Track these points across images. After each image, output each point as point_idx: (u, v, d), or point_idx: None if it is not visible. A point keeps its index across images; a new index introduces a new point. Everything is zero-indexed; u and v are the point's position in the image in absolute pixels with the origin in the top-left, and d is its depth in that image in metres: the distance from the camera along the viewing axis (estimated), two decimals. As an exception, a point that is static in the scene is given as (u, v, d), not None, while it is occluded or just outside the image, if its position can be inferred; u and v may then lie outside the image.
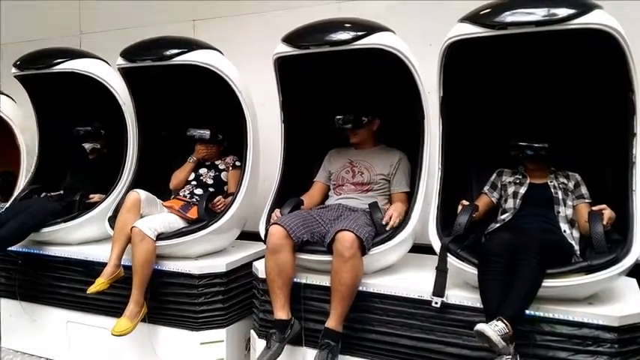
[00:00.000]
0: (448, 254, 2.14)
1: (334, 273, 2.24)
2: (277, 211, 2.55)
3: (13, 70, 3.37)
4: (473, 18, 2.10)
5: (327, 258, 2.30)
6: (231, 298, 2.80)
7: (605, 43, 1.98)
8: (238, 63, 3.02)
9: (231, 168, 3.20)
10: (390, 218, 2.40)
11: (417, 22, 3.15)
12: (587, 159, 2.42)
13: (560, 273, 1.94)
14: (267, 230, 2.42)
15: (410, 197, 2.56)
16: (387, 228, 2.38)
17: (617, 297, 2.10)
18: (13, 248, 3.19)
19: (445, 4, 3.02)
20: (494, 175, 2.55)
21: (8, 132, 3.93)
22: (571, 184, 2.39)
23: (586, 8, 1.93)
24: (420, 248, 2.56)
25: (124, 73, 3.01)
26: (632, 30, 2.03)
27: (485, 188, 2.55)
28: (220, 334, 2.75)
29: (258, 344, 2.52)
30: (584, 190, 2.37)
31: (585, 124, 2.41)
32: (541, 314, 1.98)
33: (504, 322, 1.84)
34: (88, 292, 2.65)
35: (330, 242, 2.28)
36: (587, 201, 2.34)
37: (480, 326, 1.84)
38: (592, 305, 1.99)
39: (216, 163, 3.24)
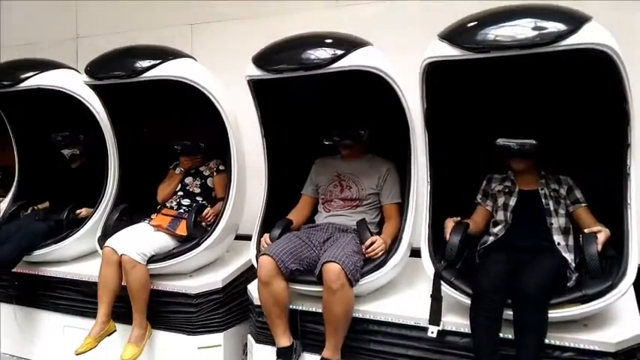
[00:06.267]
0: (442, 282, 2.12)
1: (325, 305, 2.23)
2: (266, 237, 2.50)
3: (-21, 87, 3.21)
4: (452, 37, 1.94)
5: (318, 289, 2.28)
6: (228, 309, 2.82)
7: (598, 58, 1.85)
8: (235, 68, 2.85)
9: (215, 173, 3.13)
10: (371, 246, 2.35)
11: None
12: (581, 168, 2.34)
13: (555, 304, 1.92)
14: (257, 259, 2.40)
15: (401, 208, 2.51)
16: (366, 256, 2.35)
17: (613, 317, 2.08)
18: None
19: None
20: (485, 182, 2.48)
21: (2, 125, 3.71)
22: (563, 190, 2.31)
23: (576, 24, 1.78)
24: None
25: (93, 88, 2.87)
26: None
27: (478, 197, 2.48)
28: (218, 338, 2.78)
29: (256, 349, 2.56)
30: (578, 194, 2.30)
31: (579, 133, 2.32)
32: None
33: None
34: (75, 353, 2.60)
35: (319, 273, 2.25)
36: (583, 205, 2.28)
37: None
38: (587, 327, 2.00)
39: (201, 169, 3.18)
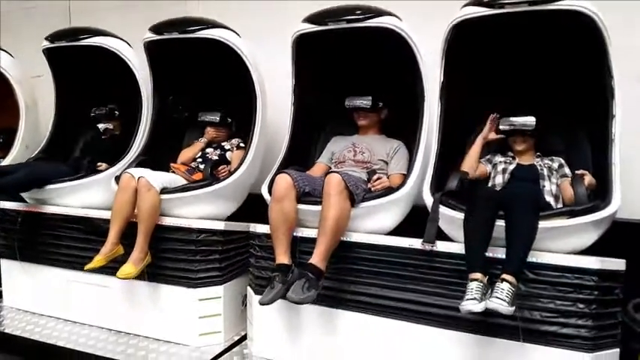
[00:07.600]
0: (440, 205, 2.29)
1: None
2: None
3: (44, 42, 3.58)
4: (475, 2, 2.40)
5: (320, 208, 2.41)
6: (228, 258, 2.90)
7: (587, 29, 2.25)
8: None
9: (235, 149, 3.36)
10: (378, 181, 2.59)
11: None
12: (570, 139, 2.67)
13: (543, 216, 2.10)
14: (272, 181, 2.57)
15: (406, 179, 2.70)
16: (372, 189, 2.56)
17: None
18: (12, 207, 3.31)
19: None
20: (489, 154, 2.76)
21: (7, 87, 3.97)
22: (555, 165, 2.58)
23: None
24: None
25: (149, 46, 3.24)
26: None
27: (482, 160, 2.72)
28: (217, 290, 2.83)
29: (255, 300, 2.59)
30: (567, 170, 2.56)
31: (570, 107, 2.65)
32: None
33: (508, 281, 1.94)
34: (85, 268, 2.72)
35: (322, 188, 2.41)
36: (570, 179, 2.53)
37: (492, 305, 1.90)
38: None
39: (223, 144, 3.41)
